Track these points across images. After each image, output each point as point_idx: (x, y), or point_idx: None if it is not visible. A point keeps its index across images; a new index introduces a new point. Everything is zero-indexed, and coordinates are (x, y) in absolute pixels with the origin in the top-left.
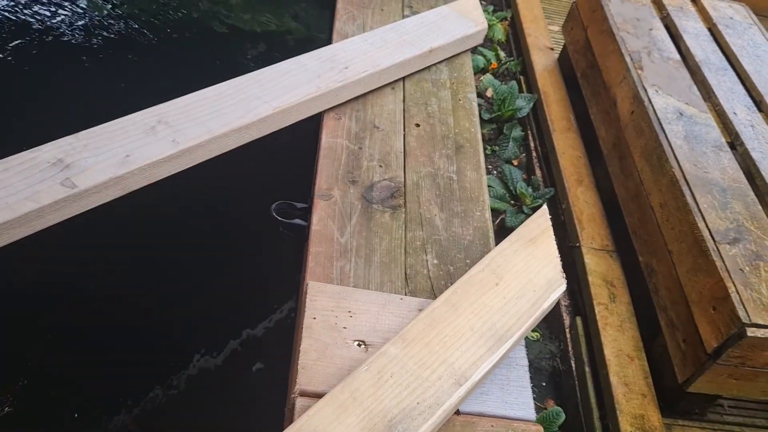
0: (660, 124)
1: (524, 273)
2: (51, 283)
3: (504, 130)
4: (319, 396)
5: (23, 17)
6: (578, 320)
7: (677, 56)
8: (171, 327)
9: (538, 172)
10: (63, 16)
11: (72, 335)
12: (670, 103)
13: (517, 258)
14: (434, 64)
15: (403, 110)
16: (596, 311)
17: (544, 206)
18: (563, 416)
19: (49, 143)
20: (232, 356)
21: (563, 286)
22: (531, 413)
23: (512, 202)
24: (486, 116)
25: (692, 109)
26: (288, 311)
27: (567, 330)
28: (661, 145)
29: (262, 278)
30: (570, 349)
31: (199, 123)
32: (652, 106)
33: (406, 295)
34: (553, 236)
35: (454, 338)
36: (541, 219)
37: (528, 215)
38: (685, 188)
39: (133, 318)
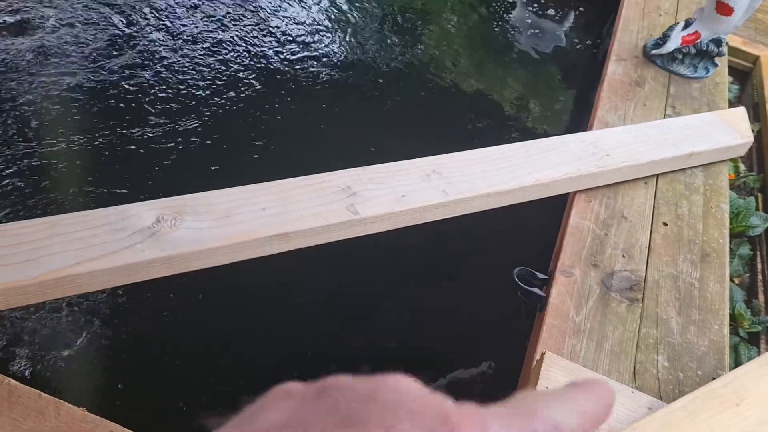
0: None
1: None
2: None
3: (731, 245)
4: None
5: (315, 68)
6: None
7: None
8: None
9: (761, 297)
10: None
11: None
12: None
13: (762, 383)
14: (690, 168)
15: (653, 206)
16: None
17: None
18: None
19: (341, 170)
20: None
21: None
22: None
23: None
24: None
25: None
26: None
27: None
28: None
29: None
30: None
31: (467, 180)
32: None
33: (633, 389)
34: None
35: None
36: None
37: (743, 338)
38: None
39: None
